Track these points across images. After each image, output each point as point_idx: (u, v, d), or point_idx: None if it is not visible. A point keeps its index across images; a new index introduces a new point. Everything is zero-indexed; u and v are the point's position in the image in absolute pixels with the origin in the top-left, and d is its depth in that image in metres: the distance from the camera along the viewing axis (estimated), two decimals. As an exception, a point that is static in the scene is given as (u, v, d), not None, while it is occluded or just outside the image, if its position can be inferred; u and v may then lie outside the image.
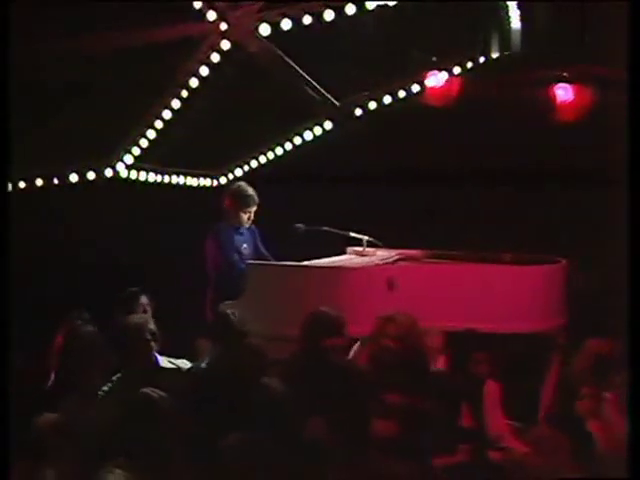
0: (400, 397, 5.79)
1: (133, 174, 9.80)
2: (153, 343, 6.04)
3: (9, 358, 4.64)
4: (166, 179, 10.09)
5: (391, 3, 9.34)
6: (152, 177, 9.96)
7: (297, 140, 10.24)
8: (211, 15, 8.63)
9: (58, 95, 8.69)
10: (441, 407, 5.63)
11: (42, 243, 9.16)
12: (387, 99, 10.11)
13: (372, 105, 10.07)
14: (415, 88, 10.16)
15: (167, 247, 9.53)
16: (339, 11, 8.95)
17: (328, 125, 10.11)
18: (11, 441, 4.49)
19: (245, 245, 8.33)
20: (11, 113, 4.70)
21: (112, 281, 8.71)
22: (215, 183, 10.53)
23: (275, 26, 8.87)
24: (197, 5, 8.52)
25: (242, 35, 8.93)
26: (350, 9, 8.99)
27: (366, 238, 8.52)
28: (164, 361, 6.42)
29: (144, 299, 8.46)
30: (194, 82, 9.12)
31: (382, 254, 8.58)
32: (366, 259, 8.43)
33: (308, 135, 10.19)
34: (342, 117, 10.08)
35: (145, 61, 8.79)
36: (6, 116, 4.58)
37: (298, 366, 6.25)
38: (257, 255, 8.40)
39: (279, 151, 10.31)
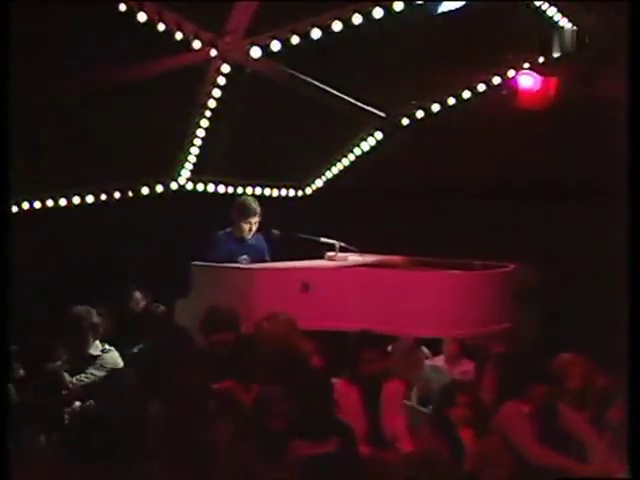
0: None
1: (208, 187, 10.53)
2: (91, 332, 7.05)
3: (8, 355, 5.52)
4: (239, 190, 10.62)
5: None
6: (222, 188, 10.56)
7: (357, 151, 10.27)
8: (196, 44, 8.94)
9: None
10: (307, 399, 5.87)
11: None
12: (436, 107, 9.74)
13: (420, 114, 9.78)
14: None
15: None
16: (327, 30, 8.83)
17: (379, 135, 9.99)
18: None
19: (245, 256, 8.64)
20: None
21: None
22: (300, 193, 10.93)
23: (265, 48, 8.99)
24: (179, 36, 8.87)
25: (237, 58, 9.14)
26: (337, 26, 8.83)
27: (338, 244, 8.51)
28: (99, 348, 7.17)
29: (138, 294, 9.33)
30: (212, 103, 9.56)
31: (355, 259, 8.51)
32: (330, 263, 8.41)
33: (365, 146, 10.16)
34: (390, 127, 9.91)
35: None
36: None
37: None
38: None
39: (345, 162, 10.43)
